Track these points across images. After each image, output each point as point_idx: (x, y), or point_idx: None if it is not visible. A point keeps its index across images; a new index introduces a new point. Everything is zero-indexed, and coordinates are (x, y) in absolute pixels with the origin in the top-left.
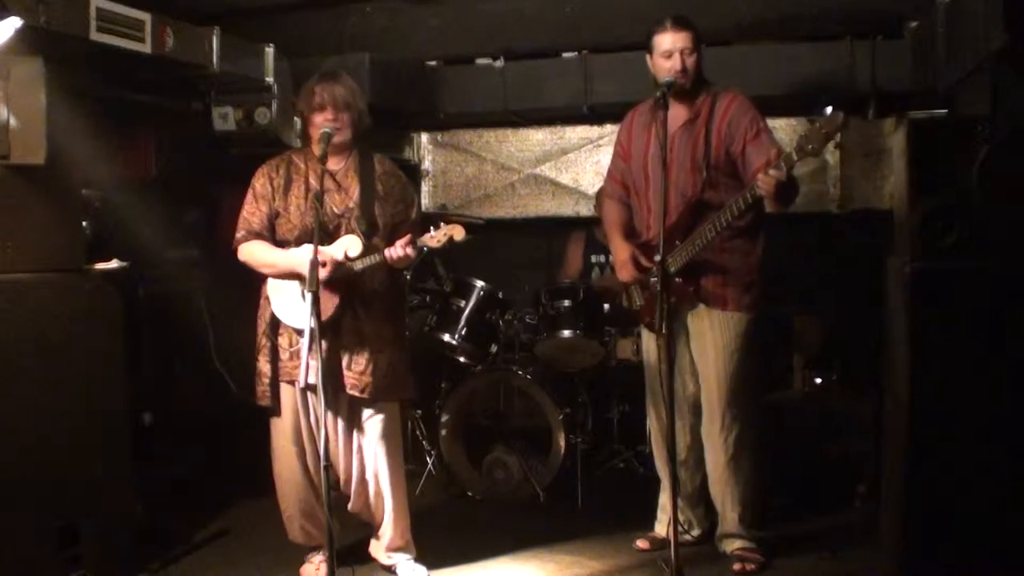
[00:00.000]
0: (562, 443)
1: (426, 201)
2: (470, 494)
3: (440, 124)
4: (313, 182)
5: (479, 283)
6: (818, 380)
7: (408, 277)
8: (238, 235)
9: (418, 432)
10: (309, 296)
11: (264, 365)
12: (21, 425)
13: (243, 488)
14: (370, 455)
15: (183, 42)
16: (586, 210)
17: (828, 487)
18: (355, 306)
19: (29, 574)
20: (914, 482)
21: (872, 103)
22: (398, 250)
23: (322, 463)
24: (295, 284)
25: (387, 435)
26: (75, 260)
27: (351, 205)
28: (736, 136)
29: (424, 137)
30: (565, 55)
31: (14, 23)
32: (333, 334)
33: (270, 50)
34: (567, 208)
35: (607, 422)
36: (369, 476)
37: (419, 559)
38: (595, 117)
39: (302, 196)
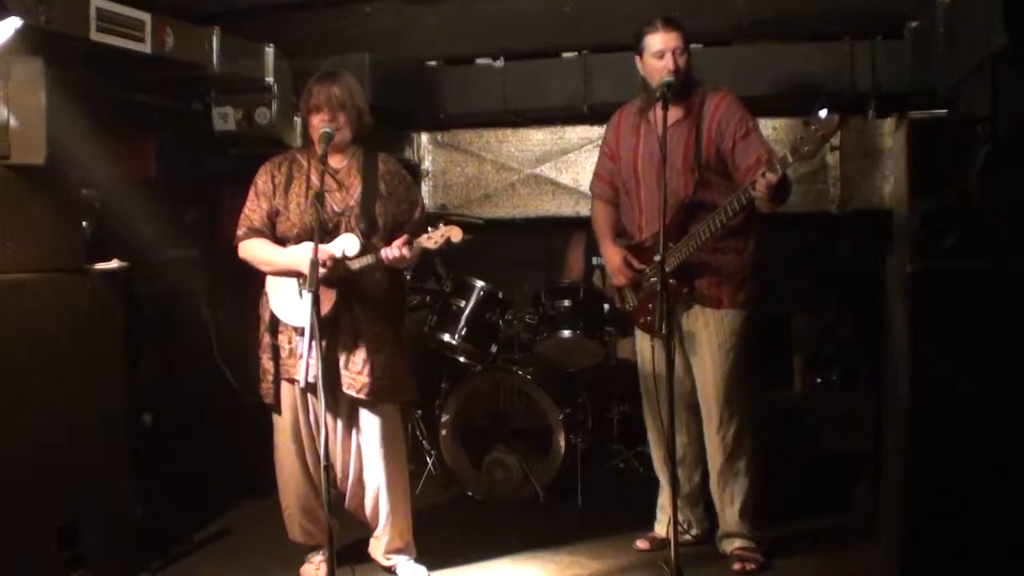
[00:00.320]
0: (562, 443)
1: (426, 201)
2: (470, 494)
3: (440, 124)
4: (314, 180)
5: (479, 283)
6: (818, 380)
7: (408, 277)
8: (239, 232)
9: (418, 432)
10: (308, 295)
11: (267, 363)
12: (21, 425)
13: (243, 488)
14: (368, 456)
15: (183, 42)
16: (586, 210)
17: (828, 487)
18: (352, 305)
19: (29, 574)
20: (914, 482)
21: (872, 103)
22: (394, 251)
23: (322, 463)
24: (293, 282)
25: (386, 437)
26: (75, 260)
27: (351, 204)
28: (726, 135)
29: (424, 137)
30: (565, 55)
31: (14, 23)
32: (330, 333)
33: (270, 50)
34: (567, 208)
35: (607, 422)
36: (367, 477)
37: (419, 559)
38: (595, 117)
39: (303, 194)
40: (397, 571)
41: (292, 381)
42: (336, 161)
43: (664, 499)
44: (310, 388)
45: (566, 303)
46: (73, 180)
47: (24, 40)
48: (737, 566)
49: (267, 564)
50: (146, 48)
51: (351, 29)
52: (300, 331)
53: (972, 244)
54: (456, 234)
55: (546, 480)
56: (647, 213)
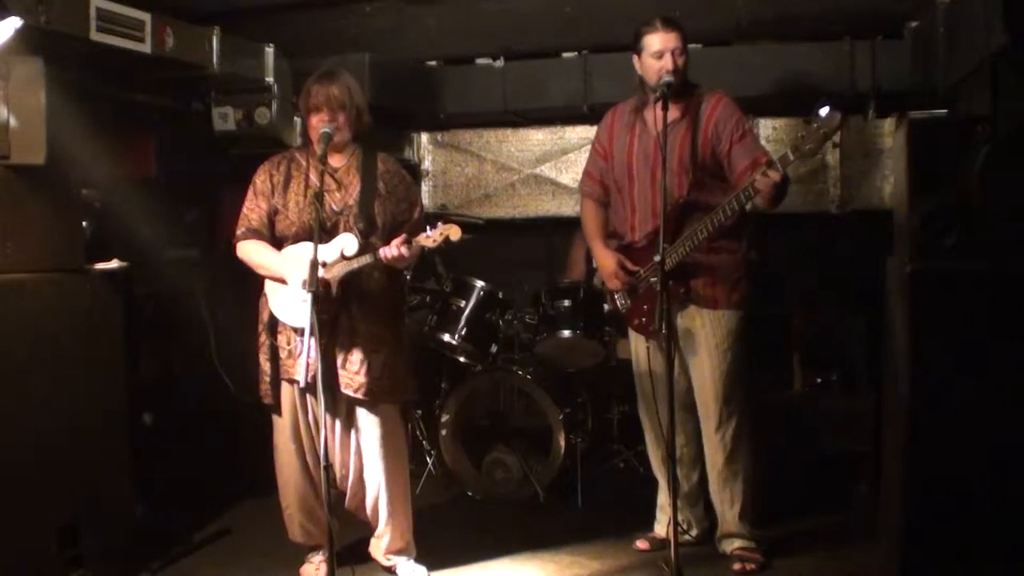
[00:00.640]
0: (562, 443)
1: (426, 201)
2: (470, 494)
3: (440, 124)
4: (313, 179)
5: (479, 283)
6: (818, 380)
7: (408, 277)
8: (238, 232)
9: (418, 432)
10: (307, 295)
11: (265, 363)
12: (21, 425)
13: (243, 488)
14: (368, 456)
15: (183, 42)
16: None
17: (828, 487)
18: (351, 305)
19: (29, 574)
20: (914, 482)
21: (872, 103)
22: (392, 250)
23: (322, 463)
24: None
25: (386, 437)
26: (75, 260)
27: (350, 203)
28: (723, 137)
29: (424, 137)
30: (565, 55)
31: (14, 23)
32: (329, 333)
33: (270, 50)
34: (567, 208)
35: (607, 422)
36: (367, 477)
37: (419, 559)
38: (595, 117)
39: (301, 193)
40: (397, 571)
41: (291, 381)
42: (335, 160)
43: (664, 499)
44: (310, 388)
45: (566, 303)
46: (73, 180)
47: (24, 40)
48: (737, 566)
49: (267, 564)
50: (146, 48)
51: (351, 29)
52: (299, 331)
53: (972, 244)
54: (455, 233)
55: (546, 480)
56: (640, 213)
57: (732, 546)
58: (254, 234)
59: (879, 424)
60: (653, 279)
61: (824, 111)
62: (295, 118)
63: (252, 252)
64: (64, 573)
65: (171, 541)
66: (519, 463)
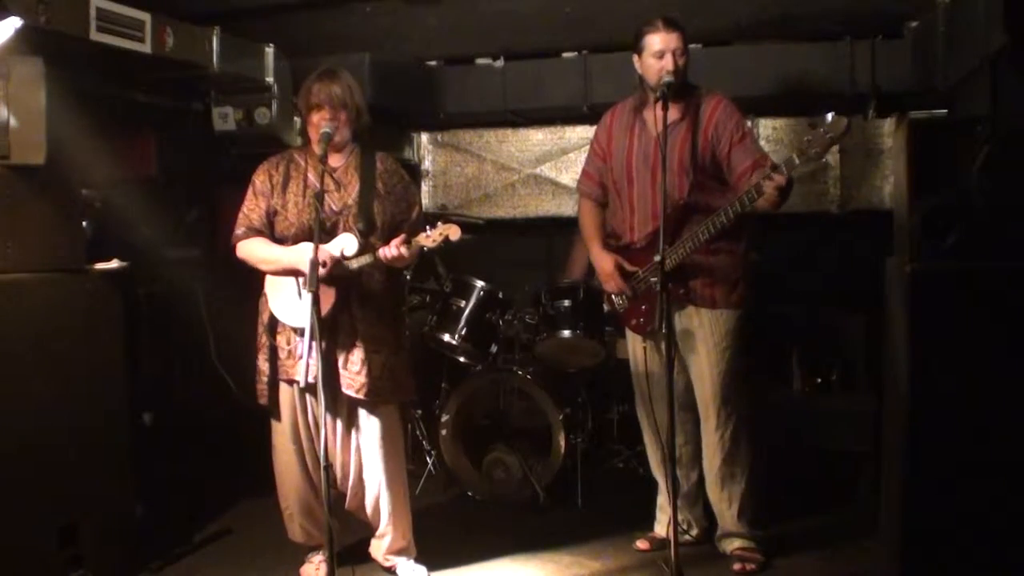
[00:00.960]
0: (562, 443)
1: (426, 201)
2: (470, 494)
3: (440, 124)
4: (312, 179)
5: (479, 283)
6: (818, 380)
7: (408, 277)
8: (237, 231)
9: (418, 432)
10: (307, 295)
11: (263, 363)
12: (21, 425)
13: (243, 488)
14: (368, 456)
15: (183, 42)
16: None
17: (828, 486)
18: (351, 305)
19: (29, 574)
20: (914, 482)
21: (872, 103)
22: (392, 250)
23: (322, 463)
24: (292, 283)
25: (386, 437)
26: (75, 260)
27: (349, 203)
28: (722, 139)
29: (424, 137)
30: (565, 55)
31: (14, 23)
32: (329, 333)
33: (270, 50)
34: (567, 208)
35: (607, 422)
36: (367, 477)
37: (419, 559)
38: (595, 117)
39: (300, 193)
40: (398, 571)
41: (291, 382)
42: (334, 160)
43: (663, 499)
44: (310, 388)
45: (566, 303)
46: (73, 180)
47: (24, 40)
48: (737, 566)
49: (267, 564)
50: (146, 48)
51: (351, 29)
52: (299, 332)
53: (972, 244)
54: (454, 233)
55: (546, 480)
56: (640, 214)
57: (732, 546)
58: (255, 233)
59: (879, 424)
60: (653, 279)
61: (829, 116)
62: (295, 118)
63: (256, 249)
64: (64, 573)
65: (171, 541)
66: (519, 463)
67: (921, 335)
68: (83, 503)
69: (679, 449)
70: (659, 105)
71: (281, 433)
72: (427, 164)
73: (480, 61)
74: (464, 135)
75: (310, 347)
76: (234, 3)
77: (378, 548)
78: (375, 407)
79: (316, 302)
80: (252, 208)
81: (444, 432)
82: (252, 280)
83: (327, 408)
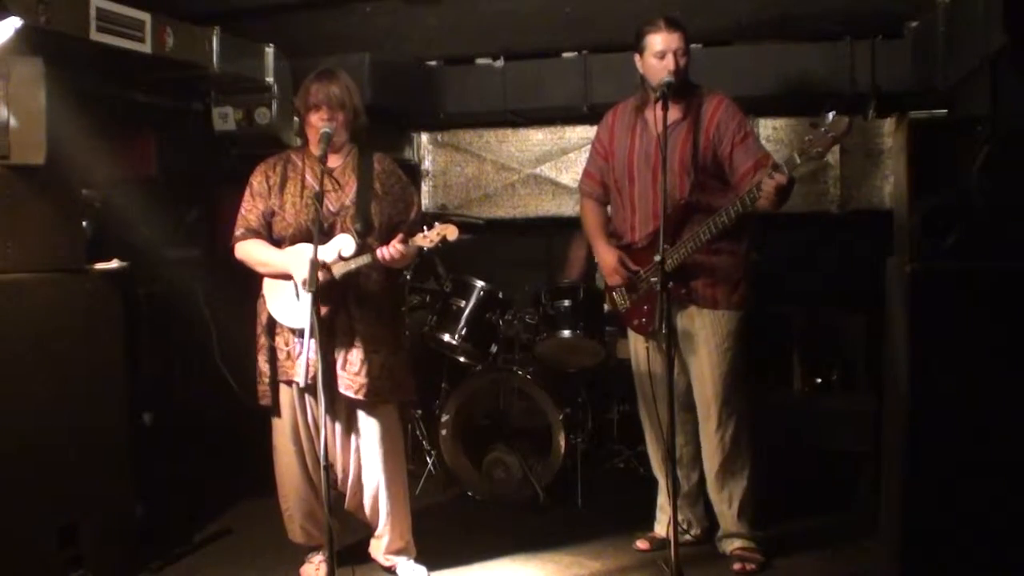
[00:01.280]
0: (562, 443)
1: (426, 201)
2: (470, 494)
3: (440, 124)
4: (310, 180)
5: (479, 283)
6: (818, 380)
7: (408, 277)
8: (236, 233)
9: (418, 432)
10: (305, 295)
11: (263, 364)
12: (21, 425)
13: (243, 488)
14: (368, 457)
15: (183, 42)
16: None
17: (828, 486)
18: (349, 306)
19: (29, 574)
20: (914, 482)
21: (872, 103)
22: (390, 250)
23: (322, 463)
24: (290, 284)
25: (385, 437)
26: (75, 260)
27: (347, 203)
28: (724, 139)
29: (424, 137)
30: (565, 55)
31: (14, 23)
32: (327, 334)
33: (270, 50)
34: (567, 208)
35: (607, 422)
36: (367, 477)
37: (419, 559)
38: (595, 117)
39: (298, 194)
40: (397, 571)
41: (290, 383)
42: (332, 161)
43: (663, 499)
44: (309, 389)
45: (566, 303)
46: (73, 180)
47: (24, 40)
48: (737, 566)
49: (267, 564)
50: (146, 48)
51: (351, 29)
52: (297, 333)
53: (972, 244)
54: (452, 232)
55: (546, 480)
56: (641, 213)
57: (732, 546)
58: (253, 234)
59: (879, 424)
60: (653, 279)
61: (831, 115)
62: (295, 118)
63: (253, 250)
64: (64, 573)
65: (171, 541)
66: (519, 463)
67: (921, 335)
68: (83, 503)
69: (680, 449)
70: (660, 105)
71: (281, 434)
72: (427, 164)
73: (480, 61)
74: (464, 135)
75: (309, 347)
76: (234, 3)
77: (377, 548)
78: (374, 407)
79: (316, 302)
80: (249, 209)
81: (444, 432)
82: (252, 280)
83: (326, 409)
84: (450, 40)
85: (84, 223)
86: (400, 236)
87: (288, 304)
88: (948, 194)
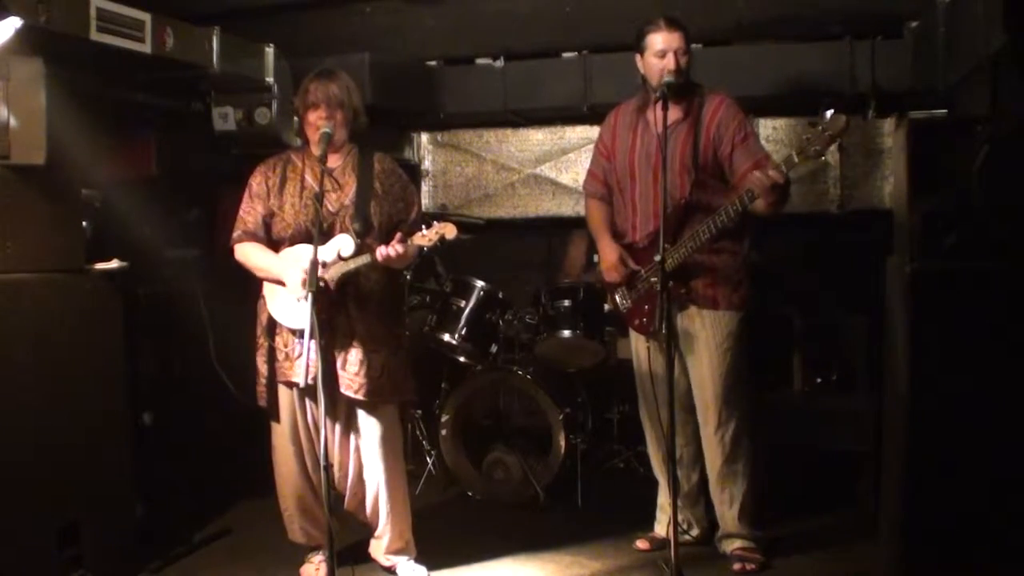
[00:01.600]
0: (562, 443)
1: (426, 201)
2: (470, 494)
3: (440, 124)
4: (310, 180)
5: (479, 283)
6: (818, 380)
7: (408, 277)
8: (234, 235)
9: (418, 432)
10: (305, 296)
11: (262, 365)
12: (21, 425)
13: (243, 488)
14: (368, 457)
15: (183, 42)
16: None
17: (828, 486)
18: (348, 306)
19: (29, 574)
20: (913, 482)
21: (872, 103)
22: (388, 250)
23: (322, 463)
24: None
25: (385, 437)
26: (75, 260)
27: (346, 203)
28: (725, 138)
29: (424, 137)
30: (565, 55)
31: (14, 23)
32: (327, 334)
33: (270, 50)
34: (567, 208)
35: (607, 422)
36: (367, 477)
37: (419, 559)
38: (595, 117)
39: (297, 195)
40: (397, 571)
41: (289, 384)
42: (331, 160)
43: (664, 499)
44: (309, 389)
45: (566, 303)
46: (73, 180)
47: (24, 40)
48: (737, 566)
49: (267, 564)
50: (146, 48)
51: (351, 29)
52: (297, 333)
53: (972, 244)
54: (450, 232)
55: (546, 480)
56: (641, 213)
57: (732, 546)
58: (250, 236)
59: (879, 424)
60: (654, 279)
61: (829, 113)
62: (295, 118)
63: (249, 254)
64: (64, 573)
65: (171, 541)
66: (519, 463)
67: (921, 335)
68: (83, 503)
69: (680, 450)
70: (660, 105)
71: (281, 434)
72: (427, 164)
73: (480, 61)
74: (464, 135)
75: (309, 348)
76: (234, 3)
77: (377, 548)
78: (374, 407)
79: (315, 303)
80: (248, 211)
81: (444, 432)
82: (252, 280)
83: (326, 409)
84: (450, 40)
85: (84, 223)
86: (399, 236)
87: (288, 305)
88: (948, 194)
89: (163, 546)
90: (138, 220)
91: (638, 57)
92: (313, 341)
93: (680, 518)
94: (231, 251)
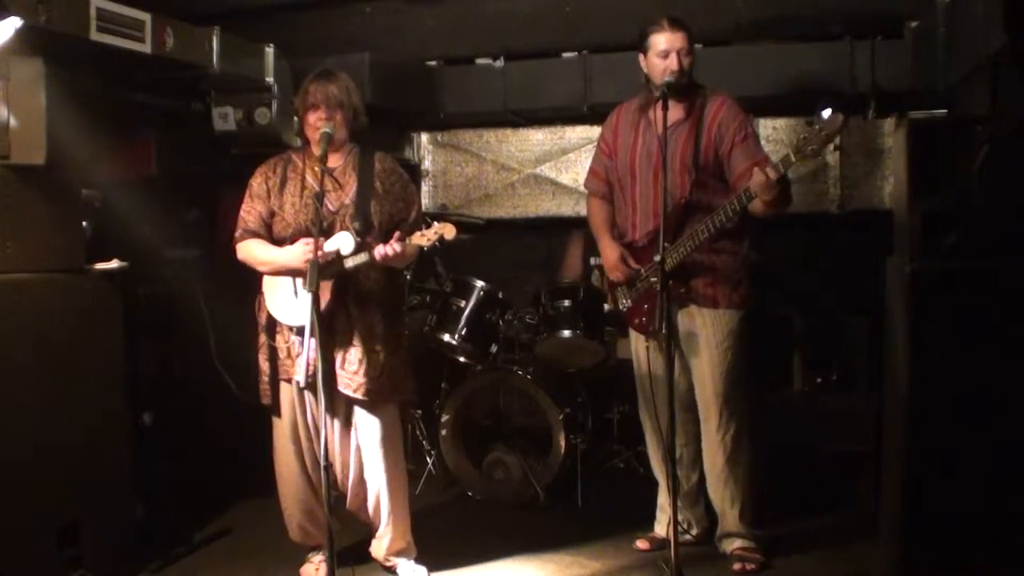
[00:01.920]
0: (562, 443)
1: (426, 201)
2: (470, 494)
3: (440, 124)
4: (310, 180)
5: (479, 283)
6: (818, 380)
7: (408, 277)
8: (236, 234)
9: (418, 432)
10: (304, 294)
11: (263, 363)
12: (21, 425)
13: (243, 488)
14: (368, 457)
15: (183, 42)
16: (586, 210)
17: (828, 486)
18: (348, 305)
19: (29, 574)
20: (913, 482)
21: (872, 103)
22: (388, 248)
23: (322, 463)
24: (289, 282)
25: (385, 437)
26: (75, 260)
27: (346, 202)
28: (725, 138)
29: (424, 137)
30: (565, 55)
31: (14, 23)
32: (327, 333)
33: (270, 50)
34: (567, 208)
35: (607, 422)
36: (368, 477)
37: (419, 559)
38: (595, 117)
39: (297, 194)
40: (398, 572)
41: (290, 381)
42: (332, 160)
43: (664, 499)
44: (309, 388)
45: (566, 303)
46: (73, 180)
47: (24, 40)
48: (737, 566)
49: (267, 564)
50: (146, 48)
51: (351, 29)
52: (296, 331)
53: (972, 244)
54: (449, 231)
55: (546, 480)
56: (641, 212)
57: (732, 546)
58: (252, 235)
59: (879, 424)
60: (654, 279)
61: (826, 113)
62: (295, 118)
63: (254, 250)
64: (64, 573)
65: (171, 541)
66: (519, 463)
67: (921, 335)
68: (83, 503)
69: (680, 450)
70: (660, 104)
71: (281, 433)
72: (427, 164)
73: (480, 61)
74: (464, 135)
75: (309, 346)
76: (234, 3)
77: (378, 549)
78: (373, 407)
79: (316, 301)
80: (249, 211)
81: (444, 432)
82: (252, 280)
83: (326, 408)
84: (450, 40)
85: (84, 223)
86: (398, 235)
87: (287, 302)
88: (948, 194)
89: (163, 546)
90: (138, 220)
91: (641, 57)
92: (313, 340)
93: (680, 518)
94: (233, 251)
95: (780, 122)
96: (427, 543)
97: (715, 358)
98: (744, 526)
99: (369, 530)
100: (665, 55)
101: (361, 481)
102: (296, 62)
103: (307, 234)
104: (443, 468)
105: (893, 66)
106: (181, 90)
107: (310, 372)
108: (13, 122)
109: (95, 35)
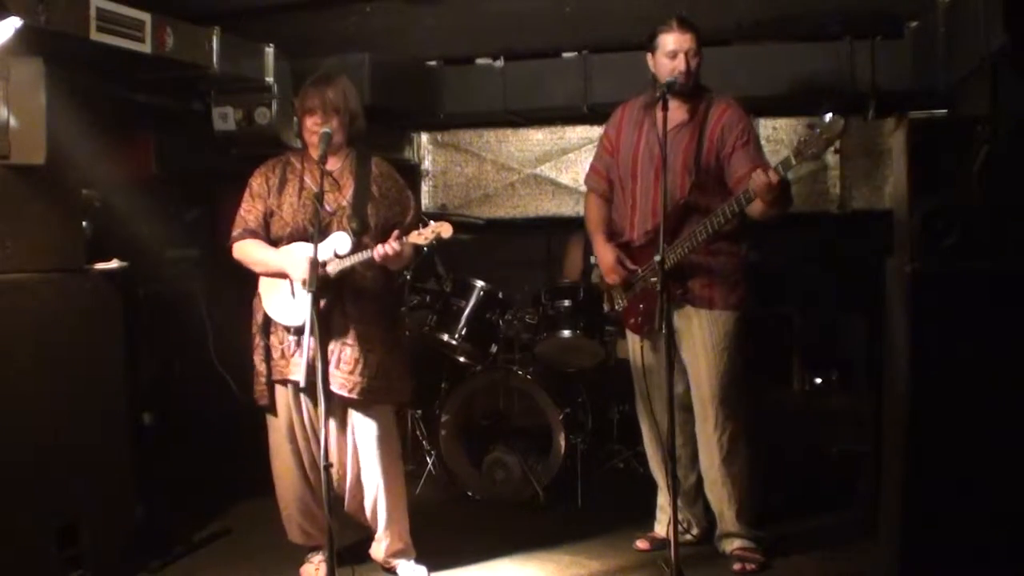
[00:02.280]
0: (562, 443)
1: (426, 201)
2: (470, 494)
3: (440, 124)
4: (308, 181)
5: (479, 283)
6: (818, 380)
7: (408, 277)
8: (234, 233)
9: (418, 432)
10: (302, 294)
11: (260, 364)
12: (21, 425)
13: (243, 488)
14: (365, 459)
15: (183, 42)
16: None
17: (828, 486)
18: (345, 305)
19: (29, 574)
20: (913, 482)
21: (872, 103)
22: (385, 247)
23: (322, 463)
24: (286, 282)
25: (382, 438)
26: (75, 260)
27: (344, 203)
28: (727, 140)
29: (424, 137)
30: (565, 55)
31: (14, 23)
32: (323, 333)
33: (270, 50)
34: (567, 208)
35: (607, 422)
36: (365, 479)
37: (419, 559)
38: (595, 117)
39: (296, 195)
40: (398, 572)
41: (285, 382)
42: (330, 163)
43: (663, 499)
44: (308, 388)
45: (566, 303)
46: (73, 180)
47: (24, 40)
48: (737, 566)
49: (267, 564)
50: (146, 48)
51: (351, 29)
52: (292, 331)
53: (972, 244)
54: (446, 230)
55: (546, 480)
56: (640, 211)
57: (732, 546)
58: (251, 235)
59: (879, 424)
60: (652, 279)
61: (828, 116)
62: (295, 118)
63: (250, 250)
64: (64, 573)
65: (171, 541)
66: (519, 463)
67: (921, 335)
68: (83, 503)
69: (678, 450)
70: (661, 104)
71: (278, 433)
72: (427, 164)
73: (480, 61)
74: (464, 135)
75: (308, 346)
76: (234, 3)
77: (378, 551)
78: (369, 407)
79: (316, 302)
80: (248, 210)
81: (444, 432)
82: (251, 280)
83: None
84: (450, 40)
85: (84, 223)
86: (395, 233)
87: (283, 302)
88: (948, 194)
89: (163, 546)
90: (138, 220)
91: (649, 56)
92: (312, 339)
93: (680, 518)
94: (229, 250)
95: (780, 122)
96: (427, 543)
97: (711, 359)
98: (743, 526)
99: (368, 531)
100: (673, 56)
101: (358, 483)
102: (296, 62)
103: (305, 233)
104: (443, 468)
105: (893, 66)
106: (181, 90)
107: (309, 372)
108: (13, 122)
109: (95, 35)
